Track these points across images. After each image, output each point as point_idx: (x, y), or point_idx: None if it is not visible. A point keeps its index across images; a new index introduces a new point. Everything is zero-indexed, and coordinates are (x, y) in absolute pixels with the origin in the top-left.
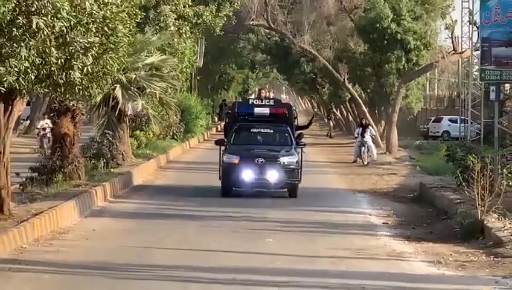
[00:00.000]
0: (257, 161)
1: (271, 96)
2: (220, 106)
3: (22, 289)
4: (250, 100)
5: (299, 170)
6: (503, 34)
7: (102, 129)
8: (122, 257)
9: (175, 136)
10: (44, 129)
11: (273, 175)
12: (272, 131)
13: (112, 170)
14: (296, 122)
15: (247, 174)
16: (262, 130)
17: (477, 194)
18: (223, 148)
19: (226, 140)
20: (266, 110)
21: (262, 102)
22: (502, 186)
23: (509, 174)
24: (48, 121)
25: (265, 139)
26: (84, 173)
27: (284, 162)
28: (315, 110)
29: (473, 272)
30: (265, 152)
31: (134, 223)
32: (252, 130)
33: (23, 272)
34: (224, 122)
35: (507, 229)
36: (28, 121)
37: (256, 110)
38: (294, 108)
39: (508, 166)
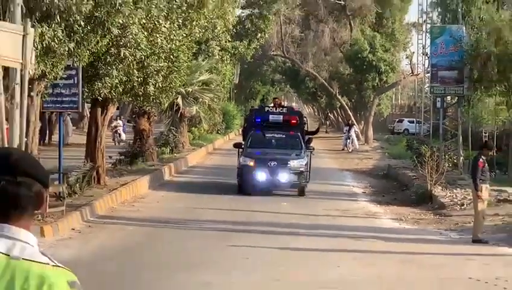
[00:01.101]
0: (270, 164)
1: (285, 105)
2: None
3: (113, 235)
4: (266, 108)
5: (308, 172)
6: (446, 61)
7: (169, 126)
8: (181, 214)
9: (219, 131)
10: (115, 127)
11: (283, 177)
12: (284, 136)
13: (175, 154)
14: (306, 128)
15: (261, 176)
16: (275, 135)
17: (428, 172)
18: (241, 150)
19: (243, 143)
20: (280, 117)
21: (276, 110)
22: (444, 167)
23: (450, 159)
24: (120, 122)
25: (278, 144)
26: (156, 156)
27: (293, 165)
28: (317, 115)
29: (424, 226)
30: (277, 156)
31: (190, 191)
32: (266, 135)
33: (114, 224)
34: (242, 127)
35: (448, 197)
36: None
37: (271, 117)
38: (304, 116)
39: (448, 153)
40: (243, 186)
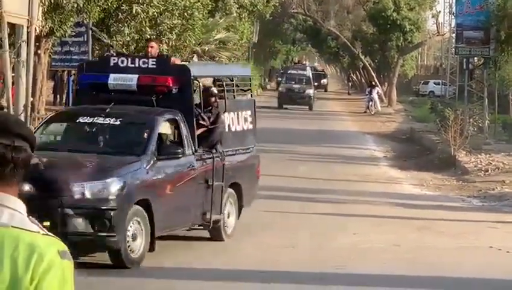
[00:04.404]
0: (27, 190)
1: (167, 55)
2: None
3: None
4: (112, 60)
5: (119, 212)
6: (471, 21)
7: None
8: None
9: None
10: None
11: (52, 221)
12: (118, 123)
13: None
14: (214, 105)
15: None
16: (99, 121)
17: (451, 136)
18: None
19: None
20: (132, 80)
21: (132, 63)
22: (469, 131)
23: (475, 123)
24: None
25: (105, 141)
26: None
27: (81, 195)
28: (339, 75)
29: (446, 192)
30: (50, 172)
31: None
32: (80, 120)
33: None
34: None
35: (472, 162)
36: None
37: (113, 78)
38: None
39: (474, 116)
40: None
